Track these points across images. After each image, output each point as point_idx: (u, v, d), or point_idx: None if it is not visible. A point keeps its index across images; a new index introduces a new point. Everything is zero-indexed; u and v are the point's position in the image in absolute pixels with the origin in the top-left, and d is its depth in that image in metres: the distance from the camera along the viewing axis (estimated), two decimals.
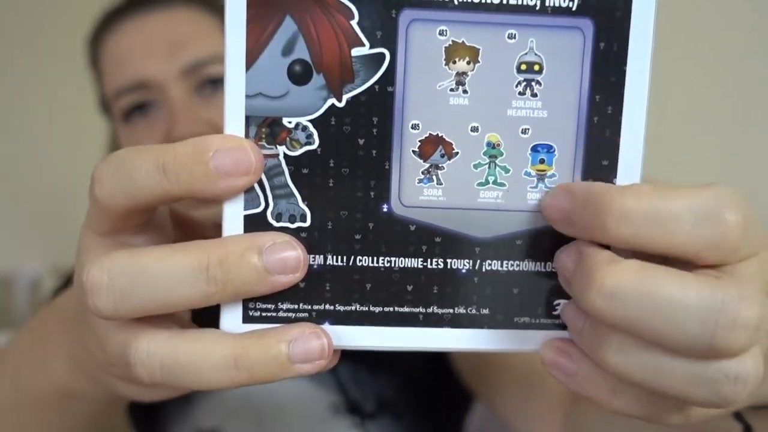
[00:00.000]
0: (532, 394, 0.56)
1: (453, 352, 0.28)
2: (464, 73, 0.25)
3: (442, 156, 0.26)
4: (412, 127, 0.26)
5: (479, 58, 0.25)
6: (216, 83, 0.69)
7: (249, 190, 0.26)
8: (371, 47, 0.25)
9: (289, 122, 0.25)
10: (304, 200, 0.26)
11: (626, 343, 0.23)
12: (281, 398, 0.65)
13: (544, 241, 0.26)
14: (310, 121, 0.25)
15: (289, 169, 0.26)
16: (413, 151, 0.26)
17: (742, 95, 1.44)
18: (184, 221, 0.34)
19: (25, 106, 1.69)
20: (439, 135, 0.26)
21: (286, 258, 0.25)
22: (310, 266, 0.26)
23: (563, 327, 0.26)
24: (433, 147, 0.26)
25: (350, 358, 0.67)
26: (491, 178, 0.26)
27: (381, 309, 0.26)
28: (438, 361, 0.71)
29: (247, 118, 0.25)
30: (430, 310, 0.27)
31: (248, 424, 0.65)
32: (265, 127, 0.25)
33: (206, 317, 0.28)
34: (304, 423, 0.64)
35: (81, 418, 0.42)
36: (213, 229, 0.35)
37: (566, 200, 0.25)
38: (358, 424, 0.65)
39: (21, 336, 0.45)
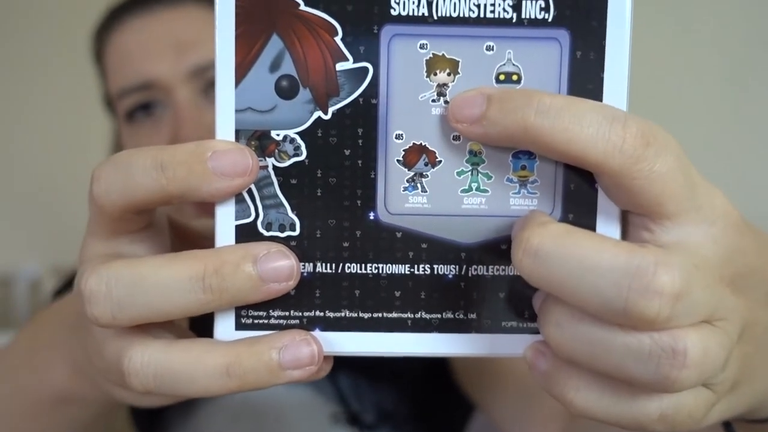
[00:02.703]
0: (532, 403, 0.56)
1: (442, 357, 0.28)
2: (445, 84, 0.26)
3: (426, 164, 0.27)
4: (396, 137, 0.26)
5: (459, 70, 0.26)
6: None
7: (240, 201, 0.27)
8: (355, 61, 0.26)
9: (278, 135, 0.26)
10: (293, 210, 0.27)
11: (562, 317, 0.24)
12: (282, 407, 0.66)
13: None
14: (298, 133, 0.26)
15: (278, 180, 0.27)
16: (398, 161, 0.27)
17: (734, 96, 1.44)
18: (183, 231, 0.34)
19: (25, 105, 1.69)
20: (423, 144, 0.26)
21: (279, 267, 0.26)
22: (300, 274, 0.27)
23: None
24: (417, 156, 0.27)
25: (351, 369, 0.68)
26: (474, 185, 0.27)
27: (370, 315, 0.27)
28: (438, 371, 0.71)
29: (237, 132, 0.26)
30: (418, 315, 0.27)
31: (249, 431, 0.65)
32: (255, 140, 0.26)
33: (204, 323, 0.29)
34: None
35: (79, 421, 0.43)
36: (209, 239, 0.35)
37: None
38: None
39: (19, 340, 0.45)
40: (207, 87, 0.67)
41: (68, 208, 1.65)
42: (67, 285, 0.78)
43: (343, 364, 0.28)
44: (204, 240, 0.35)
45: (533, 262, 0.23)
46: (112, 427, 0.58)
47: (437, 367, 0.71)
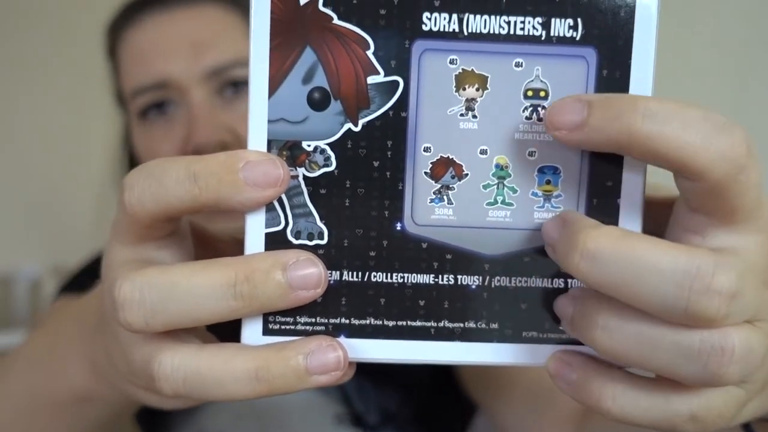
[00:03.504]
0: (539, 409, 0.56)
1: (464, 365, 0.29)
2: (473, 99, 0.27)
3: (453, 177, 0.27)
4: (424, 150, 0.27)
5: (488, 85, 0.27)
6: (237, 86, 0.67)
7: (270, 209, 0.27)
8: (386, 75, 0.27)
9: (309, 145, 0.27)
10: (321, 219, 0.27)
11: (610, 320, 0.24)
12: (287, 406, 0.66)
13: (551, 258, 0.27)
14: (328, 144, 0.27)
15: (308, 190, 0.27)
16: (425, 173, 0.27)
17: (734, 96, 1.45)
18: (201, 235, 0.35)
19: (25, 105, 1.69)
20: (450, 157, 0.27)
21: (308, 275, 0.26)
22: (327, 282, 0.27)
23: (569, 341, 0.28)
24: (444, 169, 0.27)
25: (355, 370, 0.68)
26: (500, 198, 0.27)
27: (394, 323, 0.28)
28: (442, 374, 0.72)
29: (269, 142, 0.27)
30: (441, 324, 0.28)
31: (252, 430, 0.65)
32: (286, 150, 0.27)
33: (222, 327, 0.29)
34: None
35: (95, 421, 0.43)
36: (230, 243, 0.36)
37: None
38: None
39: (35, 339, 0.46)
40: (222, 88, 0.67)
41: (68, 209, 1.66)
42: (70, 284, 0.78)
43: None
44: (223, 244, 0.35)
45: (592, 266, 0.23)
46: (122, 424, 0.58)
47: (442, 369, 0.71)
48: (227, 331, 0.29)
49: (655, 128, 0.23)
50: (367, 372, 0.68)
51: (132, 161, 0.78)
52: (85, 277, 0.74)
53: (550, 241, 0.26)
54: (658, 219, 0.28)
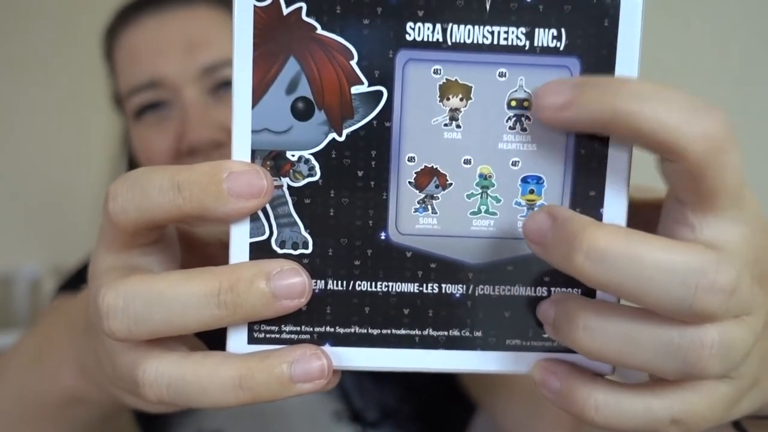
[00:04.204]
0: (539, 411, 0.57)
1: (449, 372, 0.29)
2: (457, 109, 0.27)
3: (437, 187, 0.27)
4: (408, 160, 0.27)
5: (471, 95, 0.27)
6: (230, 85, 0.68)
7: (254, 219, 0.27)
8: (369, 85, 0.27)
9: (293, 155, 0.27)
10: (306, 228, 0.27)
11: (591, 320, 0.25)
12: (285, 404, 0.66)
13: (534, 267, 0.28)
14: (312, 154, 0.27)
15: (292, 199, 0.27)
16: (409, 182, 0.27)
17: (734, 96, 1.45)
18: (188, 239, 0.35)
19: (25, 106, 1.70)
20: (434, 167, 0.27)
21: (292, 284, 0.26)
22: (312, 291, 0.27)
23: (552, 349, 0.28)
24: (428, 178, 0.27)
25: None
26: (483, 208, 0.27)
27: (379, 331, 0.28)
28: (442, 373, 0.72)
29: (253, 152, 0.27)
30: (425, 332, 0.28)
31: (251, 428, 0.66)
32: (270, 160, 0.27)
33: (212, 333, 0.30)
34: (307, 429, 0.66)
35: (86, 422, 0.43)
36: (217, 247, 0.36)
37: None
38: None
39: (25, 342, 0.46)
40: (215, 87, 0.68)
41: (68, 209, 1.66)
42: (67, 284, 0.78)
43: None
44: (209, 247, 0.35)
45: (598, 266, 0.23)
46: (114, 426, 0.58)
47: None
48: (216, 338, 0.29)
49: (636, 106, 0.23)
50: None
51: (131, 163, 0.79)
52: (84, 276, 0.74)
53: (538, 238, 0.25)
54: (648, 221, 0.28)
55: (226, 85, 0.68)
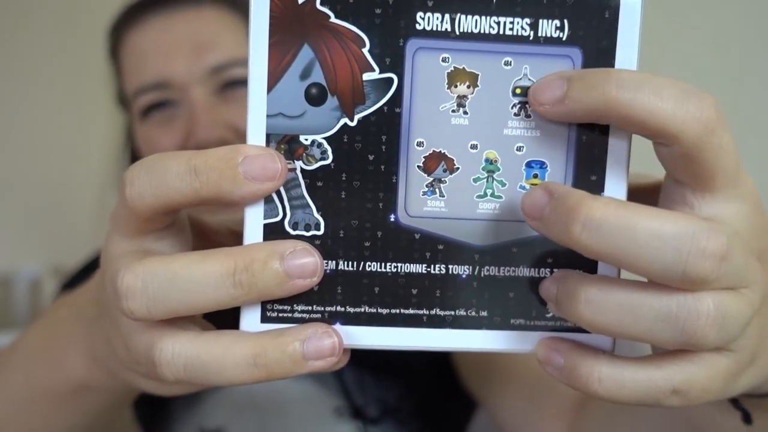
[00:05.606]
0: (537, 403, 0.57)
1: (455, 351, 0.30)
2: (464, 96, 0.28)
3: (445, 171, 0.28)
4: (417, 145, 0.28)
5: (478, 83, 0.28)
6: (237, 85, 0.69)
7: (268, 201, 0.28)
8: (381, 72, 0.28)
9: (306, 139, 0.28)
10: (318, 210, 0.28)
11: (592, 293, 0.25)
12: (286, 400, 0.66)
13: (538, 248, 0.29)
14: (325, 138, 0.28)
15: (305, 182, 0.28)
16: (418, 167, 0.28)
17: (734, 96, 1.46)
18: (198, 227, 0.35)
19: (25, 105, 1.70)
20: (442, 152, 0.28)
21: (305, 264, 0.27)
22: (324, 271, 0.28)
23: (555, 328, 0.29)
24: (436, 162, 0.28)
25: (355, 363, 0.69)
26: (489, 191, 0.28)
27: (388, 311, 0.29)
28: (442, 368, 0.72)
29: (268, 136, 0.28)
30: (433, 312, 0.29)
31: (252, 425, 0.66)
32: (284, 144, 0.28)
33: (219, 315, 0.30)
34: (308, 425, 0.66)
35: (94, 409, 0.44)
36: (227, 235, 0.37)
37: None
38: (361, 428, 0.67)
39: (33, 331, 0.46)
40: (222, 87, 0.69)
41: (68, 209, 1.67)
42: (70, 283, 0.79)
43: (348, 358, 0.30)
44: (219, 235, 0.36)
45: (595, 236, 0.24)
46: (121, 414, 0.59)
47: (442, 363, 0.72)
48: (224, 320, 0.30)
49: (628, 95, 0.25)
50: (366, 365, 0.69)
51: (134, 162, 0.79)
52: (86, 276, 0.74)
53: (537, 213, 0.26)
54: (648, 204, 0.29)
55: (234, 84, 0.69)
